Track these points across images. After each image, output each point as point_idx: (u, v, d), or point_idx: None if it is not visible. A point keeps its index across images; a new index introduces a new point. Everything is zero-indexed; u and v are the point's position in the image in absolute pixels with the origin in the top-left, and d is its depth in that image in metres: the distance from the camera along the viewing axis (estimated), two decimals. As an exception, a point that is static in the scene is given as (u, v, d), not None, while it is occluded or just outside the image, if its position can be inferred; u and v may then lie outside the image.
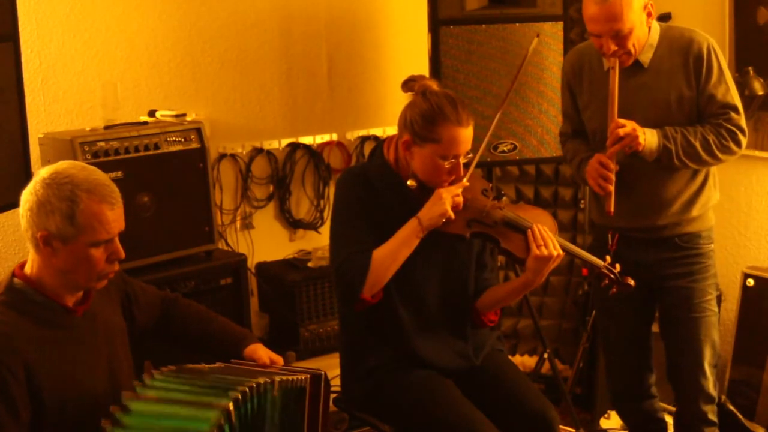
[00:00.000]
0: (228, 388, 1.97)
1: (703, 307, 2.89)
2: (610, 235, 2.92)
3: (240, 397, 1.95)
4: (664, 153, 2.73)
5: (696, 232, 2.88)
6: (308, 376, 2.14)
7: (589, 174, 2.82)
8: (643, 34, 2.75)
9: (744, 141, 2.79)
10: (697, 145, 2.73)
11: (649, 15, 2.73)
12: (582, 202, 3.99)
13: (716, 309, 2.94)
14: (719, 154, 2.75)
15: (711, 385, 2.93)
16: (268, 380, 2.05)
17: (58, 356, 2.02)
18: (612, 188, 2.74)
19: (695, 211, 2.85)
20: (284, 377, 2.09)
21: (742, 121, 2.77)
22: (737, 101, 2.78)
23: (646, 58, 2.78)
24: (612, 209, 2.74)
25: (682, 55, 2.75)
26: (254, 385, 2.00)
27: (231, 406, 1.91)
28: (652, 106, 2.79)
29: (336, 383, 2.67)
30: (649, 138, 2.72)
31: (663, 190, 2.83)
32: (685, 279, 2.88)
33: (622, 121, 2.70)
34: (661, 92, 2.78)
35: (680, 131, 2.74)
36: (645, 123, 2.74)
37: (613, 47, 2.69)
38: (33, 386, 1.95)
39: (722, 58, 2.78)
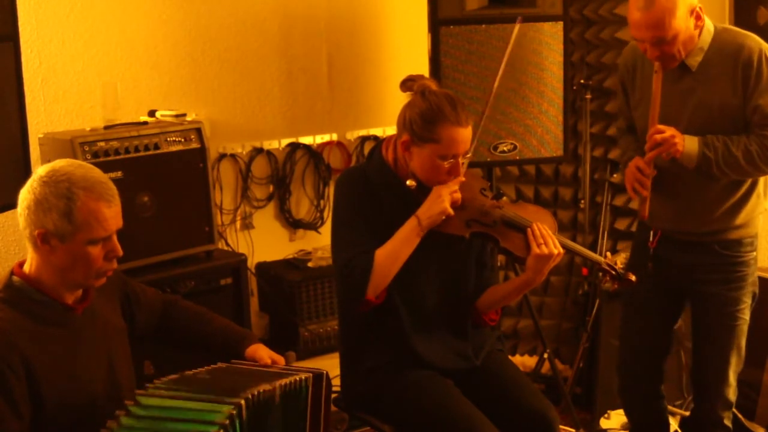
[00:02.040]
0: (231, 394, 1.97)
1: (736, 315, 2.86)
2: (652, 233, 2.90)
3: (244, 403, 1.95)
4: (704, 161, 2.68)
5: (738, 239, 2.82)
6: (310, 375, 2.15)
7: (627, 178, 2.80)
8: (691, 38, 2.68)
9: None
10: (739, 155, 2.67)
11: (698, 18, 2.66)
12: (582, 202, 3.99)
13: (748, 317, 2.90)
14: (763, 166, 2.69)
15: (732, 392, 2.93)
16: (269, 387, 2.04)
17: (58, 353, 2.02)
18: (647, 194, 2.72)
19: (740, 219, 2.80)
20: (286, 380, 2.09)
21: None
22: None
23: (694, 61, 2.72)
24: (646, 214, 2.72)
25: (732, 60, 2.68)
26: (257, 392, 1.99)
27: (243, 403, 1.93)
28: (697, 111, 2.73)
29: (336, 383, 2.67)
30: (688, 145, 2.67)
31: (705, 196, 2.79)
32: (722, 286, 2.84)
33: (661, 126, 2.67)
34: (706, 98, 2.72)
35: (722, 140, 2.68)
36: (690, 128, 2.70)
37: (657, 52, 2.65)
38: (32, 383, 1.95)
39: None
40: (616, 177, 3.86)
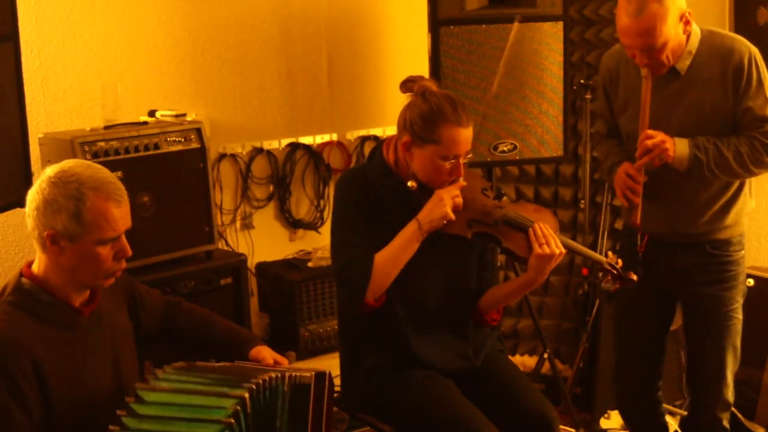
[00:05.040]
0: (241, 380, 1.99)
1: (729, 315, 2.85)
2: (639, 236, 2.88)
3: (254, 387, 1.96)
4: (695, 163, 2.67)
5: (727, 239, 2.82)
6: (313, 373, 2.15)
7: (617, 184, 2.78)
8: (679, 44, 2.66)
9: None
10: (730, 156, 2.67)
11: (686, 23, 2.64)
12: (582, 202, 3.99)
13: (741, 316, 2.90)
14: (752, 167, 2.69)
15: (729, 393, 2.92)
16: (279, 375, 2.06)
17: (65, 356, 2.02)
18: (639, 201, 2.69)
19: (729, 220, 2.80)
20: (292, 374, 2.10)
21: None
22: None
23: (683, 65, 2.70)
24: (638, 221, 2.70)
25: (721, 64, 2.68)
26: (267, 378, 2.02)
27: (246, 394, 1.93)
28: (687, 114, 2.72)
29: (336, 383, 2.67)
30: (679, 148, 2.67)
31: (696, 198, 2.78)
32: (714, 286, 2.84)
33: (651, 132, 2.65)
34: (696, 101, 2.71)
35: (713, 142, 2.68)
36: (680, 131, 2.69)
37: (646, 59, 2.62)
38: (42, 385, 1.96)
39: (764, 69, 2.70)
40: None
